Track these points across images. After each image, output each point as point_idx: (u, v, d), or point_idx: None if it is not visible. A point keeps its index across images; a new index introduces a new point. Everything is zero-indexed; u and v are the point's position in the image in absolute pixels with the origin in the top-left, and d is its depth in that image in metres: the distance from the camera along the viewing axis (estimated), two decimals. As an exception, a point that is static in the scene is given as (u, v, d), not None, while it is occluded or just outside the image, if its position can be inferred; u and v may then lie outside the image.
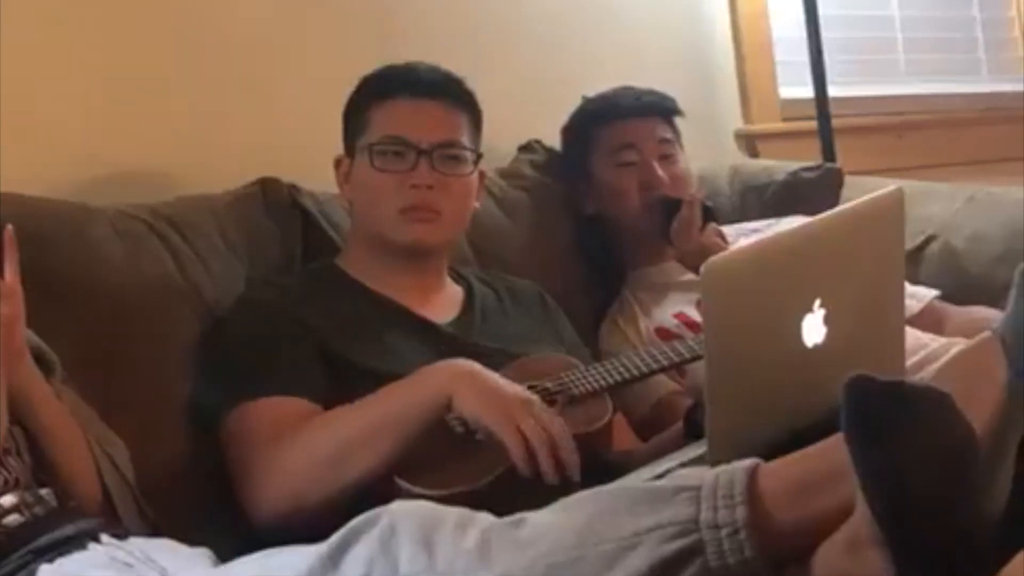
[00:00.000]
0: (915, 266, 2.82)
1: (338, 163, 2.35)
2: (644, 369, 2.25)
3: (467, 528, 1.40)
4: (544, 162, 2.95)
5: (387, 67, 2.33)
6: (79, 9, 2.51)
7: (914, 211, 2.77)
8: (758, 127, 3.59)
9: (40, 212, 2.18)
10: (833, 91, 3.43)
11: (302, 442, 2.01)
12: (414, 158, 2.25)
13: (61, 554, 1.68)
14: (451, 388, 1.97)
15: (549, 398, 2.12)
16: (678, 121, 2.82)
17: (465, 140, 2.29)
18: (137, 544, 1.75)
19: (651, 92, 2.82)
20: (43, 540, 1.70)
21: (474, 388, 1.98)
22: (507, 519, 1.42)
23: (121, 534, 1.78)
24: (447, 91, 2.29)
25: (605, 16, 3.29)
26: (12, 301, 1.79)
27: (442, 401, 1.97)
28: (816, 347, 1.68)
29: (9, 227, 1.78)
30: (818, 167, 3.12)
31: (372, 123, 2.28)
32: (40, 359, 1.90)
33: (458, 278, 2.43)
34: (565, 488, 1.82)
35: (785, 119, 3.64)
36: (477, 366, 2.03)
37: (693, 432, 2.01)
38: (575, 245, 2.86)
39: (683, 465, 1.76)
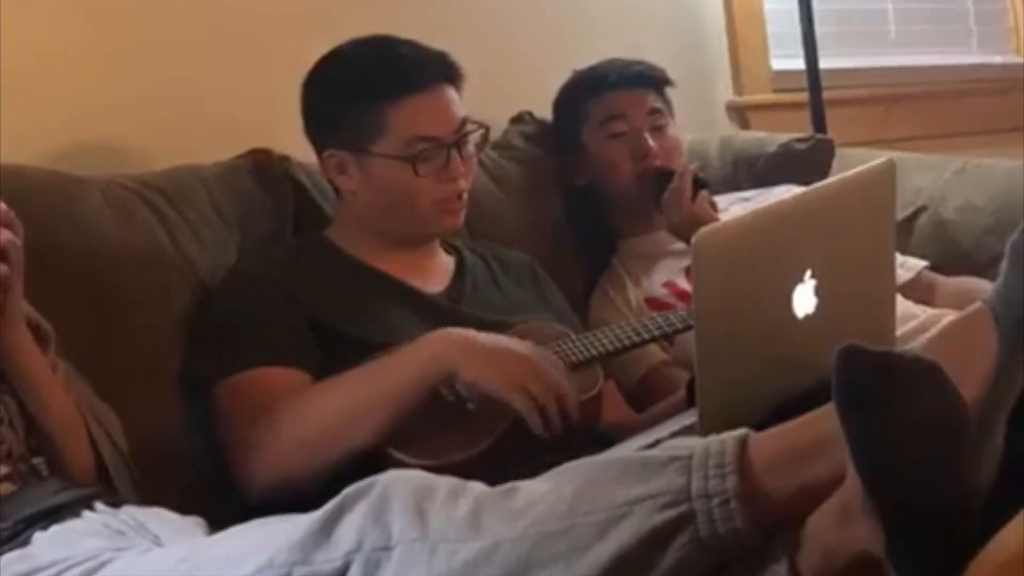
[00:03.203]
0: (905, 237, 2.82)
1: (329, 158, 2.29)
2: (635, 339, 2.26)
3: (459, 497, 1.41)
4: (535, 134, 2.95)
5: (376, 60, 2.27)
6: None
7: (904, 182, 2.78)
8: (749, 99, 3.59)
9: (30, 182, 2.18)
10: (824, 63, 3.43)
11: (294, 414, 2.01)
12: (445, 154, 2.24)
13: (54, 521, 1.69)
14: (451, 357, 1.98)
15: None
16: (670, 92, 2.82)
17: (465, 113, 2.29)
18: (130, 512, 1.76)
19: (641, 63, 2.82)
20: (36, 508, 1.70)
21: (475, 354, 1.98)
22: (499, 488, 1.42)
23: (115, 502, 1.79)
24: (445, 73, 2.28)
25: (596, -14, 3.29)
26: (10, 260, 1.79)
27: (441, 371, 1.98)
28: (807, 317, 1.69)
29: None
30: (809, 139, 3.12)
31: (391, 126, 2.22)
32: (35, 330, 1.90)
33: (449, 248, 2.43)
34: (558, 457, 1.82)
35: (776, 90, 3.64)
36: (472, 332, 2.03)
37: (693, 403, 2.02)
38: (566, 216, 2.87)
39: (674, 435, 1.77)
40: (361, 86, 2.25)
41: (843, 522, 1.30)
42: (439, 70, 2.27)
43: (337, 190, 2.34)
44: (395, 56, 2.27)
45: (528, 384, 1.95)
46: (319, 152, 2.32)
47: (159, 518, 1.77)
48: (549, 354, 2.06)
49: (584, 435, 2.00)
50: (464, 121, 2.28)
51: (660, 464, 1.36)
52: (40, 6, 2.46)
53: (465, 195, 2.30)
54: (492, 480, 1.45)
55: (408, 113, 2.23)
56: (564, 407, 1.97)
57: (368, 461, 1.90)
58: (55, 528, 1.68)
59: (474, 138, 2.30)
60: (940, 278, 2.72)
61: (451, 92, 2.27)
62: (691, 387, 2.10)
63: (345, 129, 2.27)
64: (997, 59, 4.10)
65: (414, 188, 2.23)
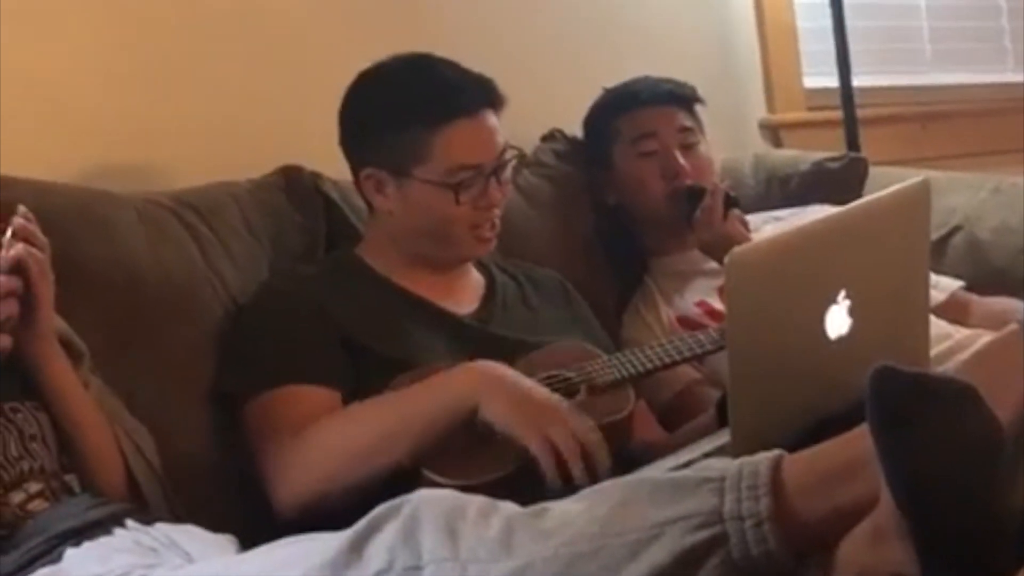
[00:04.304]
0: (939, 257, 2.81)
1: (368, 177, 2.28)
2: (667, 359, 2.25)
3: (490, 517, 1.40)
4: (566, 151, 2.95)
5: (421, 82, 2.26)
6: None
7: (939, 202, 2.76)
8: (782, 117, 3.58)
9: (63, 199, 2.19)
10: (858, 81, 3.42)
11: (325, 437, 2.01)
12: (484, 181, 2.23)
13: (86, 538, 1.69)
14: (478, 395, 1.97)
15: (571, 388, 2.12)
16: (702, 111, 2.81)
17: (504, 139, 2.28)
18: (162, 529, 1.76)
19: (671, 81, 2.82)
20: (68, 524, 1.71)
21: (502, 395, 1.97)
22: (530, 508, 1.42)
23: (146, 519, 1.79)
24: (490, 99, 2.26)
25: (629, 5, 3.29)
26: (43, 282, 1.80)
27: (469, 406, 1.97)
28: (840, 338, 1.68)
29: (22, 207, 1.80)
30: (842, 157, 3.11)
31: (435, 151, 2.21)
32: (68, 347, 1.91)
33: (479, 267, 2.43)
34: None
35: (809, 108, 3.63)
36: (506, 371, 2.02)
37: (725, 422, 2.01)
38: (597, 233, 2.86)
39: (706, 455, 1.76)
40: (405, 108, 2.24)
41: (877, 544, 1.30)
42: (483, 95, 2.26)
43: (372, 208, 2.34)
44: (440, 79, 2.26)
45: (550, 432, 1.92)
46: (357, 169, 2.31)
47: (190, 535, 1.78)
48: (583, 415, 2.02)
49: (615, 456, 1.99)
50: (505, 148, 2.27)
51: (693, 485, 1.36)
52: (73, 25, 2.47)
53: (498, 223, 2.30)
54: (523, 501, 1.45)
55: (452, 140, 2.22)
56: (588, 460, 1.92)
57: (400, 480, 1.90)
58: (87, 545, 1.68)
59: (511, 163, 2.30)
60: (975, 298, 2.70)
61: (493, 118, 2.26)
62: (720, 406, 2.09)
63: (386, 150, 2.25)
64: (1033, 77, 4.09)
65: (452, 214, 2.23)
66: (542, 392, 2.00)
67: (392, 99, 2.26)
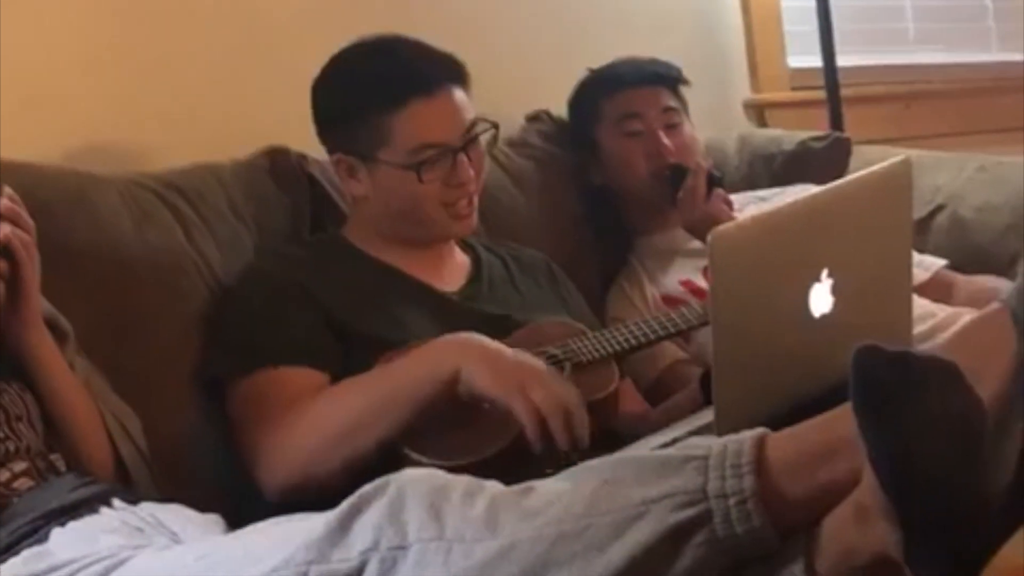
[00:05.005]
0: (923, 235, 2.82)
1: (339, 162, 2.29)
2: (651, 336, 2.25)
3: (476, 496, 1.41)
4: (552, 132, 2.96)
5: (380, 65, 2.26)
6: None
7: (922, 180, 2.78)
8: (766, 96, 3.58)
9: (48, 181, 2.18)
10: (842, 60, 3.42)
11: (311, 417, 2.01)
12: (452, 158, 2.23)
13: (73, 518, 1.70)
14: (459, 363, 1.96)
15: (556, 365, 2.13)
16: (686, 91, 2.82)
17: (474, 114, 2.28)
18: (148, 509, 1.77)
19: (655, 61, 2.82)
20: (54, 504, 1.71)
21: (484, 362, 1.97)
22: (515, 488, 1.42)
23: (133, 499, 1.80)
24: (451, 76, 2.25)
25: (613, -15, 3.29)
26: (29, 263, 1.80)
27: (451, 376, 1.96)
28: (823, 317, 1.69)
29: (7, 189, 1.81)
30: (826, 136, 3.11)
31: (395, 133, 2.21)
32: (54, 328, 1.91)
33: (465, 247, 2.43)
34: (570, 457, 1.83)
35: (794, 88, 3.63)
36: (486, 339, 2.02)
37: (710, 398, 2.02)
38: (582, 213, 2.87)
39: (691, 433, 1.77)
40: (364, 93, 2.23)
41: (860, 522, 1.30)
42: (444, 73, 2.25)
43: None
44: (398, 61, 2.25)
45: (533, 395, 1.91)
46: (329, 155, 2.32)
47: (177, 515, 1.78)
48: (564, 378, 2.03)
49: (600, 433, 2.00)
50: (473, 123, 2.26)
51: (677, 463, 1.36)
52: (55, 7, 2.46)
53: (475, 199, 2.29)
54: (508, 480, 1.46)
55: (412, 120, 2.21)
56: (570, 421, 1.92)
57: (384, 460, 1.90)
58: (73, 524, 1.69)
59: (484, 137, 2.29)
60: (958, 277, 2.71)
61: (458, 94, 2.25)
62: (704, 382, 2.11)
63: (352, 135, 2.26)
64: (1016, 57, 4.08)
65: (420, 194, 2.22)
66: (522, 356, 2.00)
67: (352, 85, 2.26)
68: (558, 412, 1.90)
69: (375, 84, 2.23)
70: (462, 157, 2.23)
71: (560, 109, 2.92)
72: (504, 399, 1.92)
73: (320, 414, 2.02)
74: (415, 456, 1.95)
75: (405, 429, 1.97)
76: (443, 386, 1.97)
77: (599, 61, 2.84)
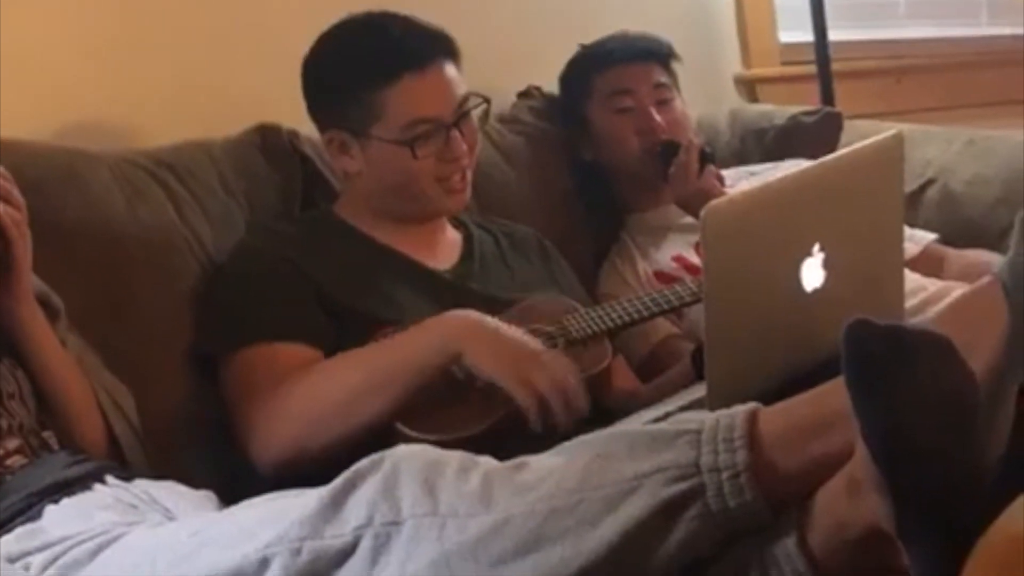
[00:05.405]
0: (914, 209, 2.82)
1: (331, 139, 2.29)
2: (644, 312, 2.26)
3: (469, 472, 1.41)
4: (543, 108, 2.95)
5: (370, 41, 2.25)
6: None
7: (913, 154, 2.77)
8: (757, 71, 3.58)
9: (39, 158, 2.18)
10: (833, 35, 3.42)
11: (304, 390, 2.01)
12: (445, 133, 2.23)
13: (66, 495, 1.70)
14: (460, 342, 1.98)
15: (549, 342, 2.13)
16: (678, 66, 2.81)
17: (465, 89, 2.28)
18: (142, 486, 1.77)
19: (646, 37, 2.82)
20: (48, 481, 1.71)
21: (484, 342, 1.98)
22: (509, 463, 1.43)
23: (126, 476, 1.80)
24: (442, 51, 2.25)
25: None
26: (21, 240, 1.80)
27: (450, 354, 1.98)
28: (815, 291, 1.69)
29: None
30: (817, 111, 3.11)
31: (388, 109, 2.21)
32: (45, 305, 1.91)
33: (457, 224, 2.43)
34: (567, 433, 1.83)
35: (784, 63, 3.63)
36: (484, 318, 2.03)
37: (702, 373, 2.02)
38: (574, 190, 2.87)
39: (683, 408, 1.77)
40: (356, 69, 2.23)
41: (852, 496, 1.31)
42: (435, 48, 2.25)
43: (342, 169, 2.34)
44: (390, 37, 2.24)
45: (533, 377, 1.94)
46: (321, 132, 2.32)
47: (171, 491, 1.79)
48: (562, 357, 2.05)
49: (593, 409, 2.00)
50: (465, 98, 2.27)
51: (670, 438, 1.37)
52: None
53: (469, 174, 2.29)
54: (502, 455, 1.46)
55: (404, 96, 2.21)
56: (571, 404, 1.94)
57: (378, 436, 1.91)
58: (67, 501, 1.69)
59: (476, 113, 2.29)
60: (949, 251, 2.71)
61: (449, 69, 2.25)
62: (695, 358, 2.11)
63: (344, 112, 2.25)
64: (1007, 31, 4.07)
65: (415, 170, 2.22)
66: (522, 339, 2.01)
67: (343, 61, 2.26)
68: (558, 393, 1.93)
69: (367, 60, 2.23)
70: (455, 132, 2.24)
71: (552, 86, 2.92)
72: (505, 382, 1.95)
73: (315, 387, 2.02)
74: (407, 432, 1.95)
75: (401, 406, 1.97)
76: (441, 364, 1.98)
77: (590, 37, 2.84)
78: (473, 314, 2.04)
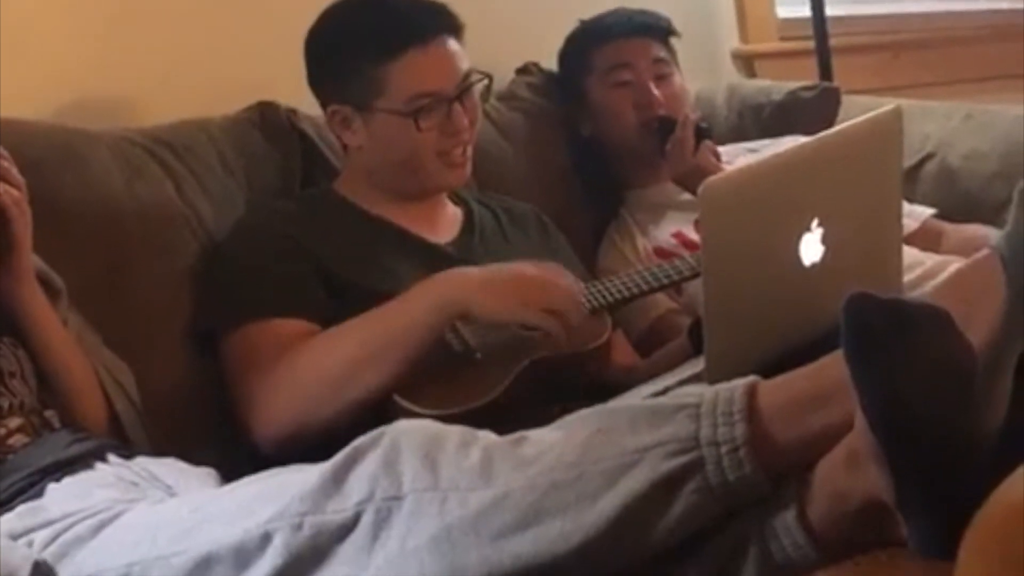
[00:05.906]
0: (912, 184, 2.82)
1: (334, 114, 2.29)
2: (643, 287, 2.26)
3: (470, 446, 1.42)
4: (541, 84, 2.95)
5: (375, 15, 2.26)
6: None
7: (911, 129, 2.77)
8: (755, 47, 3.57)
9: (38, 138, 2.18)
10: (830, 10, 3.41)
11: (304, 362, 2.02)
12: (446, 107, 2.24)
13: (68, 473, 1.70)
14: (462, 299, 2.00)
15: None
16: (675, 41, 2.81)
17: (468, 64, 2.28)
18: (143, 463, 1.78)
19: (645, 12, 2.82)
20: (49, 459, 1.72)
21: (482, 290, 2.00)
22: (509, 437, 1.43)
23: (127, 454, 1.80)
24: (445, 26, 2.26)
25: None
26: (21, 220, 1.81)
27: (451, 313, 2.00)
28: (814, 266, 1.69)
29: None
30: (815, 87, 3.11)
31: (391, 83, 2.21)
32: (46, 284, 1.91)
33: (457, 200, 2.43)
34: (567, 406, 1.83)
35: (782, 38, 3.62)
36: (470, 269, 2.06)
37: (699, 348, 2.02)
38: (573, 166, 2.87)
39: (682, 383, 1.77)
40: (360, 43, 2.24)
41: (851, 468, 1.31)
42: (438, 22, 2.26)
43: (343, 144, 2.35)
44: (393, 11, 2.26)
45: (543, 300, 2.00)
46: (324, 107, 2.32)
47: (172, 469, 1.79)
48: (552, 265, 2.10)
49: (592, 383, 2.01)
50: (468, 73, 2.27)
51: (669, 412, 1.37)
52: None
53: (469, 149, 2.30)
54: (501, 430, 1.46)
55: (408, 69, 2.22)
56: (577, 305, 2.04)
57: (378, 411, 1.91)
58: (68, 480, 1.69)
59: (478, 88, 2.30)
60: (947, 225, 2.71)
61: (452, 44, 2.26)
62: (692, 332, 2.11)
63: (347, 86, 2.26)
64: (1005, 5, 4.07)
65: (417, 143, 2.23)
66: (513, 271, 2.06)
67: (348, 35, 2.27)
68: (569, 303, 2.02)
69: (371, 35, 2.23)
70: (457, 106, 2.24)
71: (550, 63, 2.92)
72: (516, 317, 2.00)
73: (314, 359, 2.02)
74: (408, 406, 1.96)
75: (404, 373, 1.98)
76: (441, 324, 2.01)
77: (589, 13, 2.84)
78: (458, 270, 2.06)
